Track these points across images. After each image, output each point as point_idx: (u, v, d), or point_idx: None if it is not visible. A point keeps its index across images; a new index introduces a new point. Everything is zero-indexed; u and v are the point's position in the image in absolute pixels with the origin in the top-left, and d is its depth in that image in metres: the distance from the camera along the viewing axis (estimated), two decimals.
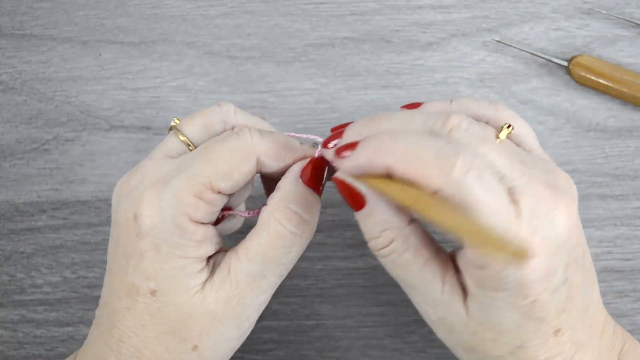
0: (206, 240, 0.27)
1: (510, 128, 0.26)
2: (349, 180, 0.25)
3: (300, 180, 0.27)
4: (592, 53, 0.42)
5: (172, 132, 0.29)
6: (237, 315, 0.27)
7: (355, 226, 0.40)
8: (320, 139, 0.29)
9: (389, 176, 0.23)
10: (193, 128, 0.29)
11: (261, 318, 0.40)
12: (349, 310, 0.39)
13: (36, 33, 0.43)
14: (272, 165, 0.28)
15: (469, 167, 0.22)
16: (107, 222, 0.40)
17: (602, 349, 0.27)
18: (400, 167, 0.23)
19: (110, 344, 0.27)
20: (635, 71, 0.41)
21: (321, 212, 0.40)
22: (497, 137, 0.25)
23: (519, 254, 0.16)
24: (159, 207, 0.26)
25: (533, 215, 0.23)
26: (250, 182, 0.32)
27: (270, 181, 0.31)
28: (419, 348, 0.39)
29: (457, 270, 0.25)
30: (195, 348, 0.26)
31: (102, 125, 0.42)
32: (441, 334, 0.27)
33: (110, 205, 0.39)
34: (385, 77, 0.42)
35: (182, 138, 0.29)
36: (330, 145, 0.27)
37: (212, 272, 0.27)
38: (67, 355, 0.32)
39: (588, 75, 0.40)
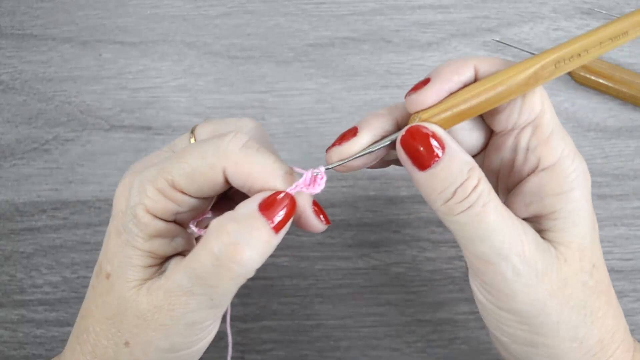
0: (161, 237, 0.26)
1: None
2: (425, 124, 0.25)
3: (257, 205, 0.25)
4: None
5: (186, 133, 0.30)
6: (165, 326, 0.25)
7: (355, 226, 0.40)
8: (317, 171, 0.26)
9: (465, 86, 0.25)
10: (204, 132, 0.29)
11: (261, 318, 0.40)
12: (349, 310, 0.39)
13: (36, 33, 0.43)
14: (237, 180, 0.25)
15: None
16: (107, 222, 0.40)
17: None
18: (487, 60, 0.25)
19: (78, 319, 0.28)
20: (635, 71, 0.41)
21: None
22: None
23: None
24: (127, 193, 0.26)
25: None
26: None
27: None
28: (419, 348, 0.39)
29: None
30: (127, 344, 0.26)
31: (102, 125, 0.42)
32: (525, 291, 0.25)
33: (110, 205, 0.39)
34: (385, 77, 0.42)
35: (191, 140, 0.29)
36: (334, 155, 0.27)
37: (161, 274, 0.26)
38: None
39: (588, 75, 0.40)
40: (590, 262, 0.26)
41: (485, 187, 0.25)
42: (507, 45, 0.42)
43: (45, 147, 0.42)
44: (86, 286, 0.40)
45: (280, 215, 0.25)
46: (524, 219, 0.26)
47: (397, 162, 0.29)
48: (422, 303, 0.39)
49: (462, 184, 0.24)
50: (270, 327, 0.39)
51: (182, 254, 0.27)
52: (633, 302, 0.39)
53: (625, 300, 0.39)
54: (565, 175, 0.25)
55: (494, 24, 0.42)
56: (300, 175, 0.26)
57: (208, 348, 0.39)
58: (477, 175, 0.24)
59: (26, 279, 0.40)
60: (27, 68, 0.43)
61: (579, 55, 0.24)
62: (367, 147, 0.26)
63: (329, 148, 0.27)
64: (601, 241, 0.39)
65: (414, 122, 0.25)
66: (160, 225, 0.26)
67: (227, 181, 0.26)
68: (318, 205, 0.27)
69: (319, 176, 0.26)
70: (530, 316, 0.26)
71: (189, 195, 0.26)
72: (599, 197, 0.40)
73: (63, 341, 0.39)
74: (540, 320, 0.26)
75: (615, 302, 0.28)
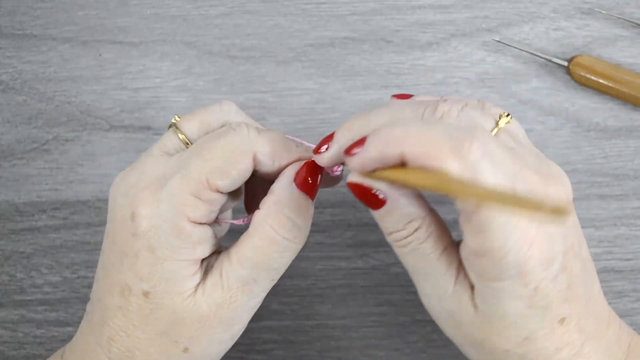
0: (202, 242, 0.26)
1: (509, 117, 0.26)
2: (365, 182, 0.25)
3: (294, 184, 0.27)
4: (592, 53, 0.42)
5: (171, 129, 0.29)
6: (228, 319, 0.27)
7: (355, 226, 0.40)
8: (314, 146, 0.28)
9: (403, 165, 0.23)
10: (191, 126, 0.29)
11: (261, 318, 0.40)
12: (349, 310, 0.39)
13: (36, 33, 0.43)
14: (268, 164, 0.27)
15: (484, 151, 0.22)
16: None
17: (610, 341, 0.27)
18: (415, 152, 0.22)
19: (101, 342, 0.27)
20: (635, 71, 0.41)
21: (321, 212, 0.40)
22: (497, 124, 0.26)
23: (560, 211, 0.16)
24: (156, 207, 0.25)
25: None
26: (241, 189, 0.31)
27: (254, 185, 0.31)
28: (419, 348, 0.39)
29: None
30: (186, 350, 0.26)
31: (102, 125, 0.42)
32: (449, 329, 0.27)
33: None
34: (385, 77, 0.42)
35: (180, 136, 0.29)
36: (322, 149, 0.27)
37: (205, 274, 0.27)
38: None
39: (588, 75, 0.40)
40: (519, 335, 0.25)
41: (420, 236, 0.25)
42: (507, 45, 0.42)
43: (45, 147, 0.42)
44: (87, 286, 0.40)
45: (312, 184, 0.27)
46: None
47: None
48: (422, 303, 0.39)
49: (397, 231, 0.25)
50: (270, 327, 0.39)
51: (217, 251, 0.28)
52: (633, 302, 0.39)
53: (625, 300, 0.39)
54: (488, 267, 0.23)
55: (494, 24, 0.42)
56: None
57: None
58: (414, 227, 0.25)
59: (26, 279, 0.40)
60: (27, 68, 0.43)
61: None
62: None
63: (314, 150, 0.28)
64: (601, 241, 0.40)
65: (358, 176, 0.25)
66: (200, 230, 0.26)
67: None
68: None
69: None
70: (457, 345, 0.28)
71: (221, 192, 0.26)
72: (599, 197, 0.40)
73: (63, 341, 0.39)
74: (465, 353, 0.27)
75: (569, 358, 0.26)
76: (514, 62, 0.42)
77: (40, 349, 0.39)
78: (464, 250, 0.25)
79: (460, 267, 0.26)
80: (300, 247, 0.27)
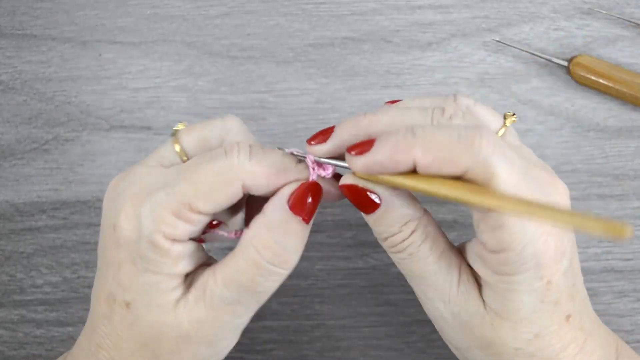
0: (183, 258, 0.25)
1: (514, 116, 0.27)
2: (362, 183, 0.25)
3: (287, 206, 0.25)
4: (592, 53, 0.42)
5: (169, 140, 0.29)
6: (210, 336, 0.26)
7: (355, 226, 0.40)
8: (317, 159, 0.27)
9: (408, 172, 0.23)
10: (190, 139, 0.28)
11: (261, 318, 0.40)
12: (349, 310, 0.39)
13: (36, 33, 0.43)
14: (259, 189, 0.26)
15: (494, 145, 0.22)
16: None
17: (602, 340, 0.28)
18: (428, 159, 0.22)
19: (91, 348, 0.27)
20: (635, 71, 0.41)
21: (321, 212, 0.40)
22: (504, 125, 0.27)
23: (620, 229, 0.15)
24: (136, 220, 0.25)
25: (541, 194, 0.24)
26: (243, 200, 0.30)
27: (255, 198, 0.29)
28: (419, 348, 0.39)
29: (467, 264, 0.26)
30: None
31: (102, 125, 0.42)
32: (454, 333, 0.26)
33: None
34: (385, 77, 0.42)
35: (177, 149, 0.28)
36: (314, 142, 0.27)
37: (188, 289, 0.26)
38: None
39: (588, 75, 0.40)
40: (530, 332, 0.24)
41: (417, 239, 0.25)
42: (507, 45, 0.42)
43: (45, 147, 0.42)
44: (87, 286, 0.40)
45: (309, 206, 0.26)
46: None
47: None
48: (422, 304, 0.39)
49: (393, 235, 0.25)
50: (270, 327, 0.39)
51: (204, 264, 0.27)
52: (633, 302, 0.39)
53: (625, 300, 0.39)
54: (505, 262, 0.23)
55: (494, 24, 0.42)
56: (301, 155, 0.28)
57: None
58: (411, 229, 0.25)
59: (26, 279, 0.40)
60: (27, 68, 0.43)
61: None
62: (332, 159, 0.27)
63: (309, 140, 0.28)
64: (601, 241, 0.39)
65: (353, 178, 0.25)
66: (180, 247, 0.25)
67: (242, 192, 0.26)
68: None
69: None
70: (460, 350, 0.27)
71: (205, 214, 0.25)
72: (599, 197, 0.40)
73: (63, 341, 0.39)
74: (469, 357, 0.27)
75: (574, 356, 0.26)
76: (514, 62, 0.42)
77: (40, 349, 0.39)
78: (474, 249, 0.25)
79: (462, 267, 0.26)
80: (288, 272, 0.26)
